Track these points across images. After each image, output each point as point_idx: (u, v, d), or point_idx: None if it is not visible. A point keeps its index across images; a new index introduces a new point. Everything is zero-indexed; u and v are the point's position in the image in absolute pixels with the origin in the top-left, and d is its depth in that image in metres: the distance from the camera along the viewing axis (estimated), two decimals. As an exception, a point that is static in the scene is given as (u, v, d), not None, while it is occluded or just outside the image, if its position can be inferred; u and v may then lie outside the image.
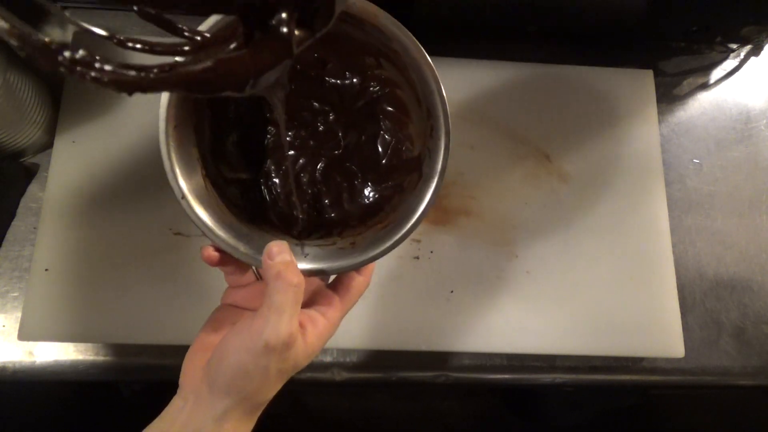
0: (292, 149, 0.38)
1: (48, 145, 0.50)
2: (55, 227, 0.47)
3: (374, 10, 0.31)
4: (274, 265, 0.29)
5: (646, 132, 0.55)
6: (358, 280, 0.33)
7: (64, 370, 0.47)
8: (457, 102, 0.54)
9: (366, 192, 0.37)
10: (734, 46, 0.61)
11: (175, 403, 0.31)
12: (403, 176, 0.36)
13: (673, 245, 0.53)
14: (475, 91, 0.55)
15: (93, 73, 0.19)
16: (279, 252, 0.30)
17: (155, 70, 0.20)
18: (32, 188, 0.50)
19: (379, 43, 0.33)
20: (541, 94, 0.55)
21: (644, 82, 0.57)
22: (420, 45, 0.31)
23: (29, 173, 0.50)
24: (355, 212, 0.37)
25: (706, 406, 0.73)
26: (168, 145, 0.31)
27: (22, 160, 0.50)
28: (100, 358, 0.47)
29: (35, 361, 0.47)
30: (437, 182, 0.32)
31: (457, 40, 0.58)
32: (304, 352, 0.30)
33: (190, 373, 0.31)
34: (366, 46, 0.34)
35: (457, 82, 0.55)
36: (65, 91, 0.51)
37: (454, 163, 0.52)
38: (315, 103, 0.38)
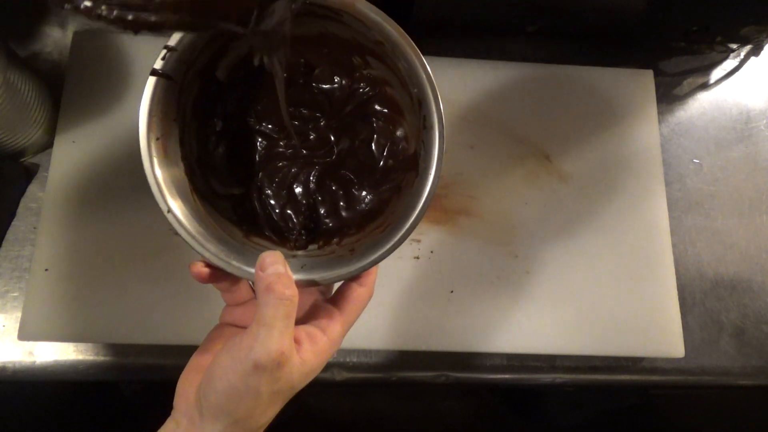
0: (284, 159, 0.36)
1: (48, 145, 0.50)
2: (55, 227, 0.47)
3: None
4: (265, 276, 0.28)
5: (646, 132, 0.55)
6: (358, 291, 0.31)
7: (64, 370, 0.47)
8: (457, 102, 0.54)
9: (363, 197, 0.36)
10: (734, 46, 0.61)
11: (168, 426, 0.29)
12: (400, 176, 0.35)
13: (673, 245, 0.53)
14: (475, 91, 0.55)
15: (98, 11, 0.18)
16: (272, 263, 0.28)
17: None
18: (32, 188, 0.50)
19: (362, 37, 0.32)
20: (541, 94, 0.55)
21: (644, 82, 0.57)
22: (402, 30, 0.30)
23: (29, 173, 0.50)
24: (353, 219, 0.35)
25: (706, 406, 0.73)
26: (151, 157, 0.30)
27: (22, 160, 0.50)
28: (100, 358, 0.47)
29: (35, 361, 0.47)
30: (434, 178, 0.30)
31: (457, 40, 0.58)
32: (299, 371, 0.27)
33: (184, 395, 0.30)
34: (351, 44, 0.33)
35: (457, 82, 0.55)
36: (65, 91, 0.51)
37: (454, 163, 0.52)
38: (304, 111, 0.36)
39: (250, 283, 0.33)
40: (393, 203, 0.34)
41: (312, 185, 0.36)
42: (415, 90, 0.31)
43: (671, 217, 0.53)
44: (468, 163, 0.53)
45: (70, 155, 0.49)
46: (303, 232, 0.35)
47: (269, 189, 0.36)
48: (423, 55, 0.33)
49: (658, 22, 0.57)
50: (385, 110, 0.36)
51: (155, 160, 0.30)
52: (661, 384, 0.52)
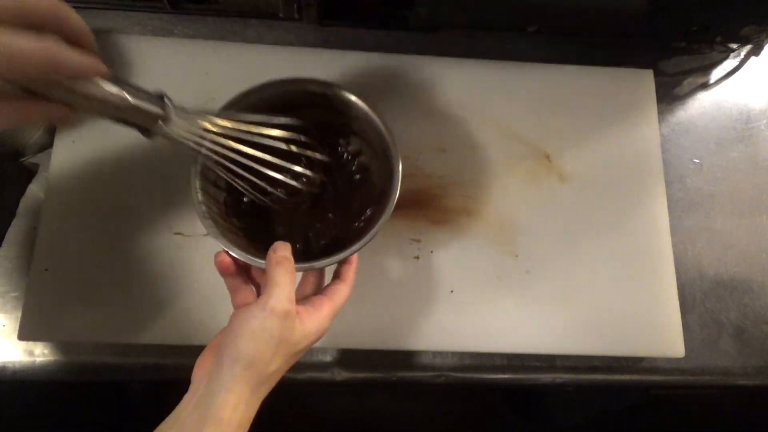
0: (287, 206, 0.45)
1: (48, 145, 0.50)
2: (55, 227, 0.47)
3: (339, 87, 0.42)
4: (276, 256, 0.35)
5: (646, 132, 0.55)
6: (340, 285, 0.39)
7: (64, 370, 0.47)
8: (456, 102, 0.54)
9: (342, 231, 0.45)
10: (734, 46, 0.61)
11: (185, 398, 0.32)
12: (369, 213, 0.45)
13: (673, 245, 0.53)
14: (475, 91, 0.55)
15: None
16: (282, 249, 0.36)
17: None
18: (32, 188, 0.50)
19: (346, 118, 0.43)
20: (541, 94, 0.55)
21: (644, 82, 0.57)
22: (371, 104, 0.42)
23: (29, 173, 0.50)
24: (334, 245, 0.44)
25: (706, 406, 0.73)
26: (195, 187, 0.39)
27: (22, 160, 0.50)
28: (100, 358, 0.47)
29: (35, 361, 0.47)
30: (393, 200, 0.40)
31: (457, 40, 0.58)
32: (300, 330, 0.34)
33: (202, 365, 0.34)
34: (339, 129, 0.45)
35: (457, 82, 0.55)
36: (65, 91, 0.51)
37: (454, 164, 0.53)
38: (300, 170, 0.43)
39: (253, 289, 0.39)
40: (364, 233, 0.41)
41: (306, 225, 0.46)
42: (381, 147, 0.42)
43: (671, 217, 0.53)
44: (468, 163, 0.53)
45: (70, 155, 0.49)
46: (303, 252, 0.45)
47: (278, 228, 0.46)
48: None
49: (658, 22, 0.57)
50: (360, 172, 0.46)
51: (199, 189, 0.39)
52: (661, 384, 0.52)
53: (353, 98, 0.42)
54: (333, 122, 0.45)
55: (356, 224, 0.45)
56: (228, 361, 0.32)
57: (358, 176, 0.47)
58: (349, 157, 0.47)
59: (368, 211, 0.45)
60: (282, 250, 0.36)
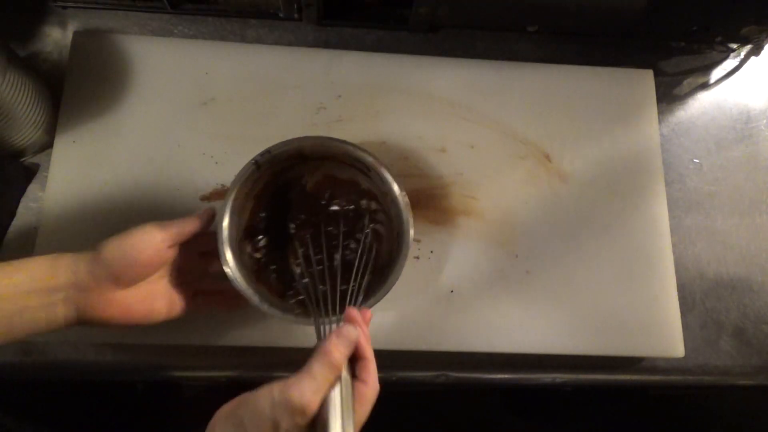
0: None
1: (48, 145, 0.50)
2: (55, 227, 0.47)
3: (380, 163, 0.44)
4: (328, 343, 0.33)
5: (646, 132, 0.55)
6: (363, 389, 0.34)
7: (64, 370, 0.47)
8: (456, 102, 0.54)
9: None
10: (734, 46, 0.61)
11: None
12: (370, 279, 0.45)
13: (673, 245, 0.53)
14: (475, 91, 0.55)
15: None
16: (337, 335, 0.34)
17: None
18: (32, 188, 0.50)
19: (376, 188, 0.47)
20: (541, 94, 0.55)
21: (644, 82, 0.57)
22: (402, 189, 0.44)
23: (29, 173, 0.50)
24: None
25: (706, 406, 0.73)
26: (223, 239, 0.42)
27: (22, 160, 0.50)
28: (100, 358, 0.47)
29: (35, 361, 0.47)
30: (392, 283, 0.42)
31: (457, 40, 0.58)
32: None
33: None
34: (367, 192, 0.48)
35: (458, 82, 0.55)
36: (65, 91, 0.51)
37: (454, 163, 0.53)
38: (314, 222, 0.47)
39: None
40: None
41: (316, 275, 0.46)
42: (397, 229, 0.45)
43: (671, 217, 0.53)
44: (468, 163, 0.53)
45: (70, 155, 0.49)
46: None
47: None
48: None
49: (658, 22, 0.57)
50: (372, 239, 0.47)
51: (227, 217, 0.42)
52: (661, 384, 0.52)
53: (389, 178, 0.44)
54: (363, 185, 0.48)
55: (352, 284, 0.45)
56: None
57: (369, 237, 0.48)
58: (368, 221, 0.48)
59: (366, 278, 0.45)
60: (336, 336, 0.33)
